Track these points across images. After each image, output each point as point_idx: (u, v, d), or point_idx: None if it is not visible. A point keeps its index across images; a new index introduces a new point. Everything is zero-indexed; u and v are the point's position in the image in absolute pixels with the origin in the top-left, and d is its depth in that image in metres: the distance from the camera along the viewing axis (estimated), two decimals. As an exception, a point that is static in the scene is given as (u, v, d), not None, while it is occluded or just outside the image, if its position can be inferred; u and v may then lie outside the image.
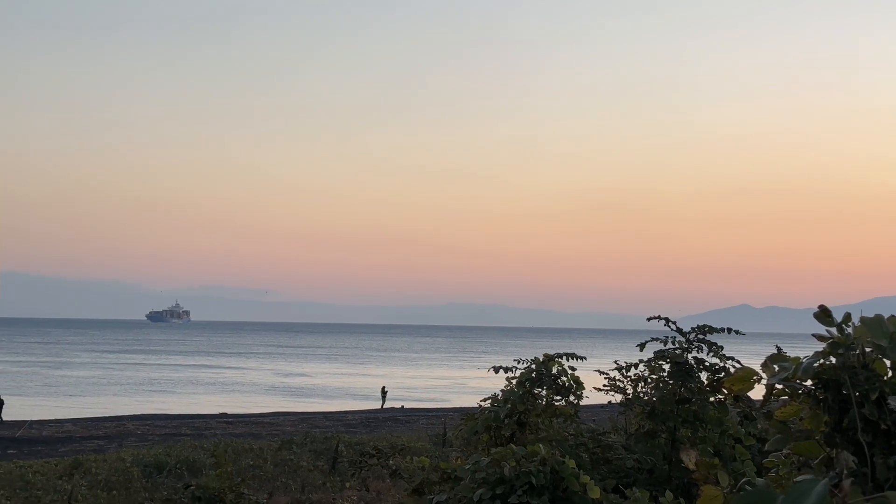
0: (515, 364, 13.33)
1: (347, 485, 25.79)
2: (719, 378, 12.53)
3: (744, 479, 4.61)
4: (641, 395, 13.14)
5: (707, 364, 12.66)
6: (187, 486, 13.84)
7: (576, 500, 9.75)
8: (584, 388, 13.11)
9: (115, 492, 26.85)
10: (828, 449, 4.07)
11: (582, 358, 13.19)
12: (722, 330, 12.95)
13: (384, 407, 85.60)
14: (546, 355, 13.14)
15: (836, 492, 3.39)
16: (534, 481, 9.59)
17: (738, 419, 13.01)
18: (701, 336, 12.72)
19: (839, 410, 4.04)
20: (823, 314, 4.09)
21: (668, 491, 10.03)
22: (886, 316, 4.06)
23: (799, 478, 3.91)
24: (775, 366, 4.04)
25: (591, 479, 9.95)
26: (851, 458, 3.89)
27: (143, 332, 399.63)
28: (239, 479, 14.29)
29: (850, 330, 4.07)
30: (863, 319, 4.06)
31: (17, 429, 60.48)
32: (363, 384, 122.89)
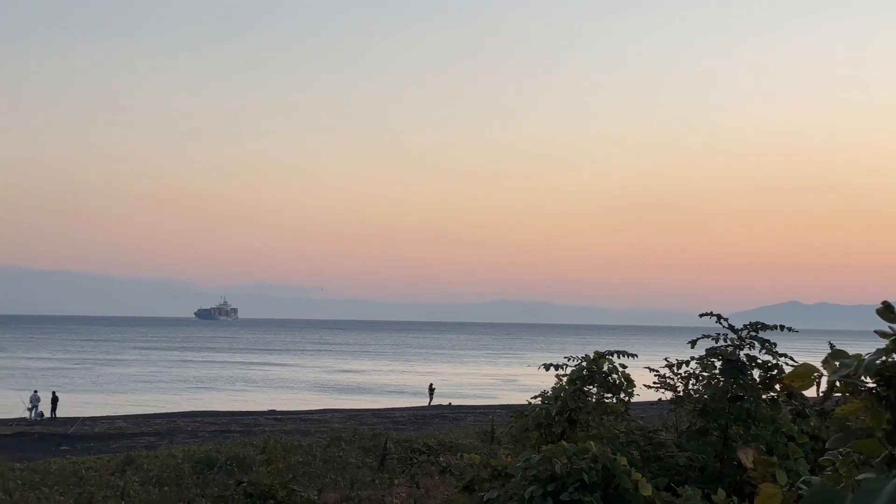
0: (566, 361, 13.28)
1: (396, 481, 25.85)
2: (772, 375, 12.41)
3: (801, 479, 4.56)
4: (692, 392, 13.02)
5: (759, 361, 12.52)
6: (239, 483, 13.93)
7: (627, 498, 9.71)
8: (634, 386, 13.03)
9: (166, 488, 27.10)
10: (890, 447, 4.01)
11: (633, 355, 13.11)
12: (774, 327, 12.81)
13: (431, 404, 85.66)
14: (597, 353, 13.08)
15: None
16: (586, 478, 9.56)
17: (791, 417, 12.88)
18: (753, 333, 12.59)
19: (902, 408, 3.98)
20: (887, 310, 4.02)
21: (720, 489, 9.96)
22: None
23: (862, 476, 3.86)
24: (836, 362, 3.99)
25: (643, 476, 9.90)
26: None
27: (191, 330, 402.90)
28: (289, 476, 14.37)
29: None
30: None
31: (69, 425, 61.24)
32: (410, 381, 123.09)
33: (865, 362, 3.91)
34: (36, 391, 73.74)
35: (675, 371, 13.40)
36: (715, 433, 12.27)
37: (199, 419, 67.34)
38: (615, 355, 13.08)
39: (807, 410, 13.08)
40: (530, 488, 9.74)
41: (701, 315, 13.08)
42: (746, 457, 4.79)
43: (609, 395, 12.94)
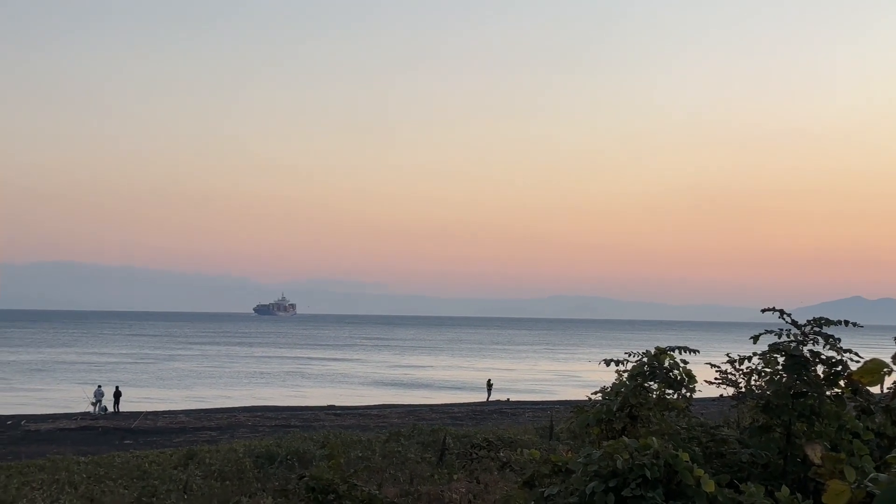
0: (626, 357, 13.20)
1: (455, 477, 25.88)
2: (836, 371, 12.24)
3: (870, 475, 4.51)
4: (755, 388, 12.88)
5: (823, 357, 12.35)
6: (301, 477, 14.04)
7: (689, 494, 9.65)
8: (696, 382, 12.91)
9: (228, 482, 27.38)
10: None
11: (695, 351, 12.99)
12: (839, 322, 12.62)
13: (490, 400, 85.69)
14: (658, 348, 12.98)
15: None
16: (648, 474, 9.52)
17: (856, 413, 12.69)
18: (817, 328, 12.42)
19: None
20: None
21: (783, 486, 9.87)
22: None
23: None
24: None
25: (705, 472, 9.84)
26: None
27: (249, 325, 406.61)
28: (350, 471, 14.46)
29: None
30: None
31: (132, 420, 62.15)
32: (468, 377, 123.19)
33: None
34: (100, 386, 74.94)
35: (737, 367, 13.25)
36: (778, 430, 12.12)
37: (259, 414, 67.98)
38: (676, 351, 12.97)
39: (872, 407, 12.87)
40: (591, 484, 9.72)
41: (763, 310, 12.92)
42: (814, 453, 4.75)
43: (670, 391, 12.85)
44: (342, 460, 13.94)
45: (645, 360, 12.87)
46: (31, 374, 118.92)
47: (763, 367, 12.71)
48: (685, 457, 9.78)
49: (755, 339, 12.72)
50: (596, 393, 13.20)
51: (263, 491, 24.75)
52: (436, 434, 37.25)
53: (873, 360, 4.16)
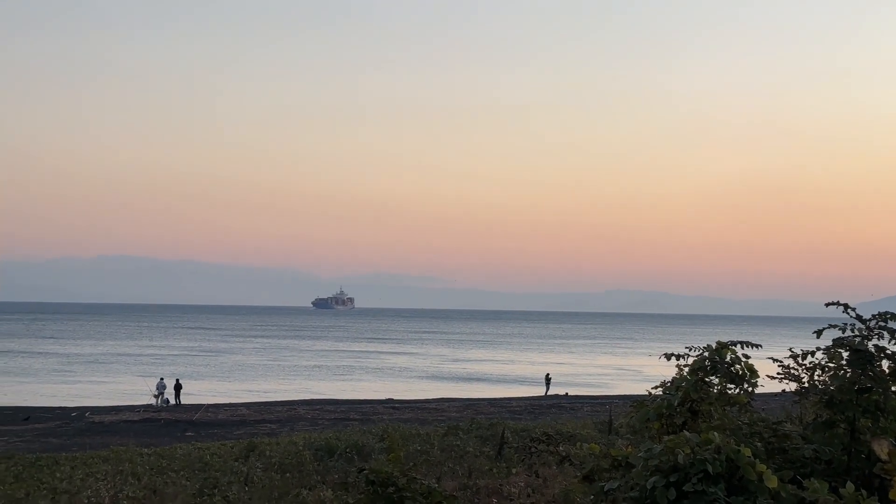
0: (687, 351, 13.08)
1: (514, 470, 25.85)
2: (903, 367, 12.04)
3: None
4: (818, 383, 12.70)
5: (889, 352, 12.16)
6: (360, 470, 14.10)
7: (752, 490, 9.56)
8: (758, 377, 12.75)
9: (288, 474, 27.56)
10: None
11: (757, 346, 12.82)
12: (905, 317, 12.42)
13: (548, 394, 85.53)
14: (719, 343, 12.84)
15: None
16: (709, 469, 9.44)
17: (922, 409, 12.48)
18: (882, 323, 12.22)
19: None
20: None
21: (848, 482, 9.74)
22: None
23: None
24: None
25: (767, 468, 9.73)
26: None
27: (308, 319, 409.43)
28: (409, 464, 14.51)
29: None
30: None
31: (194, 412, 62.91)
32: (526, 371, 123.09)
33: None
34: (162, 378, 75.92)
35: (800, 362, 13.08)
36: (842, 425, 11.94)
37: (318, 407, 68.50)
38: (738, 345, 12.83)
39: (939, 403, 12.64)
40: (652, 479, 9.66)
41: (827, 304, 12.74)
42: (881, 449, 4.69)
43: (732, 385, 12.70)
44: (401, 454, 13.97)
45: (706, 354, 12.73)
46: (94, 366, 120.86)
47: (827, 363, 12.53)
48: (747, 452, 9.68)
49: (818, 333, 12.54)
50: (656, 387, 13.10)
51: (323, 483, 24.90)
52: (494, 428, 37.23)
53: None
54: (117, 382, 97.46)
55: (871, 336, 12.20)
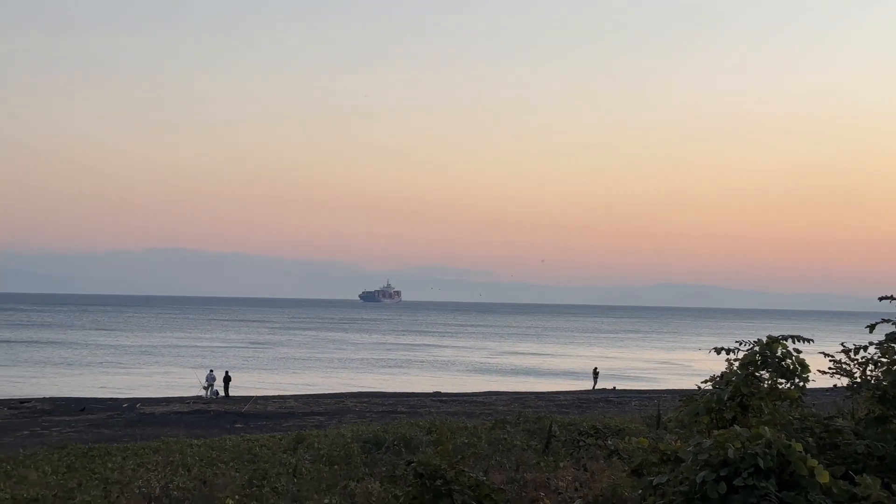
0: (737, 346, 13.00)
1: (562, 464, 25.77)
2: (957, 362, 11.90)
3: None
4: (870, 378, 12.57)
5: (944, 347, 12.03)
6: (409, 463, 14.16)
7: (803, 485, 9.49)
8: (809, 371, 12.63)
9: (336, 466, 27.68)
10: None
11: (809, 340, 12.70)
12: (960, 311, 12.29)
13: (596, 388, 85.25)
14: (770, 337, 12.74)
15: None
16: (760, 464, 9.38)
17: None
18: (936, 317, 12.11)
19: None
20: None
21: (901, 479, 9.64)
22: None
23: None
24: None
25: (819, 463, 9.66)
26: None
27: (355, 312, 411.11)
28: (457, 457, 14.54)
29: None
30: None
31: (243, 404, 63.37)
32: (574, 365, 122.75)
33: None
34: (211, 370, 76.55)
35: (852, 356, 12.95)
36: (895, 421, 11.83)
37: (365, 400, 68.73)
38: (789, 340, 12.72)
39: None
40: (702, 473, 9.62)
41: (881, 299, 12.63)
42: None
43: (782, 380, 12.60)
44: (449, 447, 14.01)
45: (756, 348, 12.64)
46: (145, 357, 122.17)
47: (880, 357, 12.41)
48: (799, 447, 9.61)
49: (871, 328, 12.43)
50: (706, 382, 13.03)
51: (371, 476, 24.99)
52: (542, 421, 37.16)
53: None
54: (167, 374, 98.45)
55: (926, 331, 12.07)
